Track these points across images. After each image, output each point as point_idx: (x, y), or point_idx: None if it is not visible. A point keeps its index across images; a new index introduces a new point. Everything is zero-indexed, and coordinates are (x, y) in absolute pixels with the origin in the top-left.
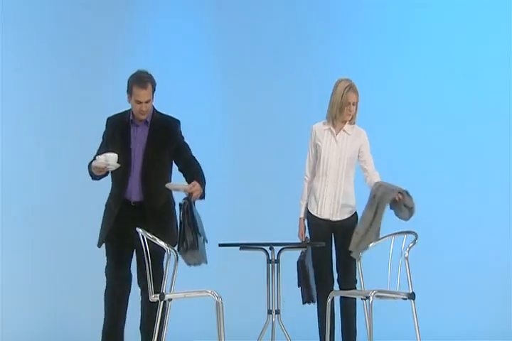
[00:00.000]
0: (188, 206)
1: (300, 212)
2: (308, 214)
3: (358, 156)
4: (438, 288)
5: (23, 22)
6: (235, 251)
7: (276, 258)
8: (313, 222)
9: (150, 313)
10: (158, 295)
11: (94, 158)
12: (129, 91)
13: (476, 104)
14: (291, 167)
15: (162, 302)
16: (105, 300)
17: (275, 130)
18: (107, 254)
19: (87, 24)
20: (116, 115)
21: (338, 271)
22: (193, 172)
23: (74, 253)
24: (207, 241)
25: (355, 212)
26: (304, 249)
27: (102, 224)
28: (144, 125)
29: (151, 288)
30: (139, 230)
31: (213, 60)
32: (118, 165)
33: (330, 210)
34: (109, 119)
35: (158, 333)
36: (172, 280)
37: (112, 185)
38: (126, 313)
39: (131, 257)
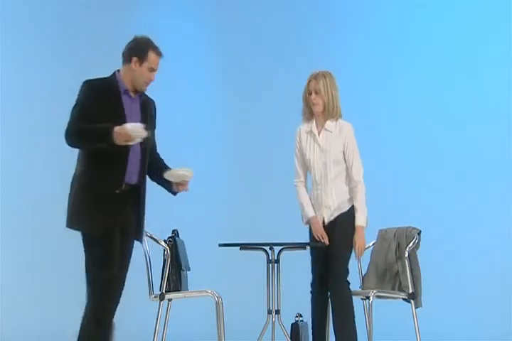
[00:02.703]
0: (173, 244)
1: (307, 213)
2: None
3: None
4: (438, 288)
5: (23, 22)
6: (235, 251)
7: (276, 258)
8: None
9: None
10: (158, 295)
11: (85, 129)
12: (142, 56)
13: (476, 104)
14: (292, 167)
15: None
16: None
17: (275, 130)
18: (109, 243)
19: (87, 24)
20: (97, 80)
21: (327, 261)
22: (161, 159)
23: (74, 253)
24: (189, 270)
25: (352, 206)
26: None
27: (91, 210)
28: (137, 98)
29: (150, 287)
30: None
31: (213, 60)
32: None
33: (327, 216)
34: (89, 82)
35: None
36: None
37: (96, 165)
38: None
39: None
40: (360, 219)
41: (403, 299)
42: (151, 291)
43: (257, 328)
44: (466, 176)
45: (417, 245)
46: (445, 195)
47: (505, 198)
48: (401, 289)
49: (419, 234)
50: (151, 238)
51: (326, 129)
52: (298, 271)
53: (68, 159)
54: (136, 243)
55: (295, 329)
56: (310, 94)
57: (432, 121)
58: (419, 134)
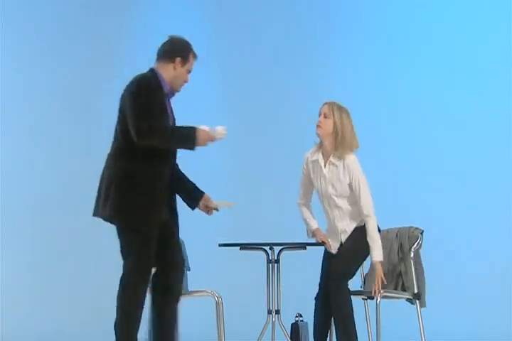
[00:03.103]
0: None
1: (311, 227)
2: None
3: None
4: (437, 288)
5: (22, 22)
6: (235, 251)
7: (276, 258)
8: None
9: None
10: None
11: (173, 130)
12: (184, 57)
13: (477, 104)
14: (292, 167)
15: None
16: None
17: (275, 130)
18: (145, 251)
19: (87, 24)
20: (150, 78)
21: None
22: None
23: (74, 253)
24: (189, 270)
25: (363, 225)
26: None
27: (146, 208)
28: (170, 99)
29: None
30: None
31: (213, 60)
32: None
33: (344, 238)
34: (146, 80)
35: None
36: None
37: (151, 160)
38: None
39: None
40: (375, 255)
41: (407, 299)
42: (151, 291)
43: (257, 328)
44: (467, 176)
45: (420, 245)
46: (445, 195)
47: (506, 198)
48: (404, 289)
49: (421, 233)
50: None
51: (331, 162)
52: (298, 271)
53: (68, 159)
54: None
55: (295, 329)
56: (319, 116)
57: (432, 121)
58: (419, 134)
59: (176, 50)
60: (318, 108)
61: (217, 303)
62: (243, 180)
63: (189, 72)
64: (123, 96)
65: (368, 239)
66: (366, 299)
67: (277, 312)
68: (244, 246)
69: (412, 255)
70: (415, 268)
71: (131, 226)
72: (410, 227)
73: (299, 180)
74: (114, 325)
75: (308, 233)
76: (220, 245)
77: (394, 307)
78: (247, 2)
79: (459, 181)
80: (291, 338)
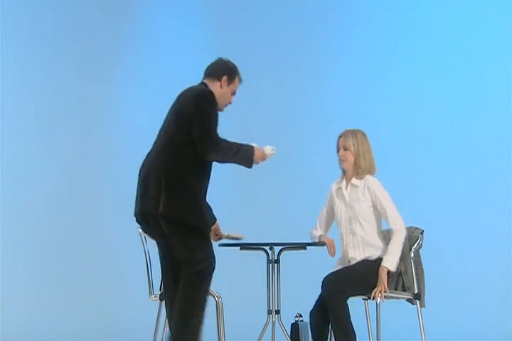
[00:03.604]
0: None
1: (316, 234)
2: None
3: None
4: (437, 288)
5: (22, 23)
6: (235, 251)
7: (276, 258)
8: None
9: None
10: (158, 295)
11: (238, 148)
12: (231, 79)
13: (477, 105)
14: (292, 167)
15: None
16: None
17: (275, 130)
18: (210, 245)
19: (87, 24)
20: (212, 93)
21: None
22: None
23: (74, 253)
24: None
25: (378, 257)
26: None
27: (204, 208)
28: None
29: (150, 287)
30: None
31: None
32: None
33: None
34: (213, 94)
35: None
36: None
37: (203, 174)
38: None
39: None
40: (388, 260)
41: (407, 299)
42: (151, 291)
43: (257, 328)
44: (467, 176)
45: (420, 245)
46: (445, 195)
47: (506, 198)
48: (404, 289)
49: (421, 233)
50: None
51: (352, 184)
52: (298, 271)
53: (68, 160)
54: (137, 244)
55: (295, 329)
56: (339, 150)
57: (432, 121)
58: (419, 134)
59: (224, 69)
60: (319, 110)
61: (217, 303)
62: (243, 180)
63: (233, 93)
64: (184, 100)
65: (389, 245)
66: (366, 299)
67: (277, 312)
68: (244, 246)
69: (412, 255)
70: (415, 268)
71: (194, 222)
72: (410, 227)
73: (299, 180)
74: (182, 320)
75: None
76: (220, 245)
77: (394, 307)
78: (247, 2)
79: (459, 181)
80: (291, 338)
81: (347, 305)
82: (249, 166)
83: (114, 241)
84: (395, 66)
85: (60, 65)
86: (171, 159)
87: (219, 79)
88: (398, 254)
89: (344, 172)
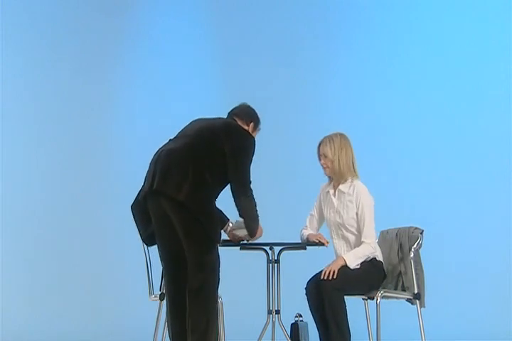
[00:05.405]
0: None
1: (306, 234)
2: None
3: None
4: (437, 288)
5: (22, 23)
6: (235, 251)
7: (276, 258)
8: None
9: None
10: (158, 295)
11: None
12: (255, 127)
13: (477, 105)
14: (292, 167)
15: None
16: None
17: (275, 130)
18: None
19: (87, 24)
20: None
21: None
22: None
23: (74, 253)
24: None
25: (373, 258)
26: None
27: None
28: None
29: (150, 287)
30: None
31: (213, 60)
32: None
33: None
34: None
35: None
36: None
37: (216, 191)
38: None
39: None
40: (348, 256)
41: (407, 299)
42: (151, 291)
43: (257, 328)
44: (467, 176)
45: (420, 245)
46: (445, 195)
47: (506, 198)
48: (403, 289)
49: (421, 233)
50: None
51: (340, 190)
52: (298, 271)
53: (68, 159)
54: (137, 244)
55: (295, 329)
56: (320, 158)
57: (432, 121)
58: (419, 134)
59: (252, 115)
60: (318, 111)
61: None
62: None
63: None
64: (223, 135)
65: (359, 248)
66: (366, 299)
67: (277, 312)
68: (244, 246)
69: (412, 255)
70: (415, 268)
71: (212, 232)
72: (410, 227)
73: (299, 180)
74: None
75: (302, 241)
76: (220, 245)
77: (394, 307)
78: (247, 2)
79: (459, 181)
80: (291, 338)
81: (344, 302)
82: (253, 235)
83: (114, 241)
84: (395, 66)
85: (60, 65)
86: (202, 159)
87: (247, 124)
88: (361, 259)
89: (331, 177)
